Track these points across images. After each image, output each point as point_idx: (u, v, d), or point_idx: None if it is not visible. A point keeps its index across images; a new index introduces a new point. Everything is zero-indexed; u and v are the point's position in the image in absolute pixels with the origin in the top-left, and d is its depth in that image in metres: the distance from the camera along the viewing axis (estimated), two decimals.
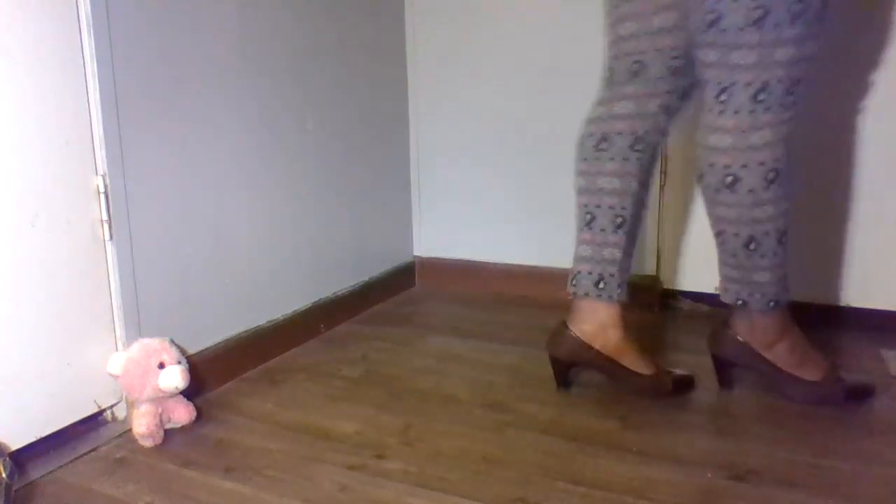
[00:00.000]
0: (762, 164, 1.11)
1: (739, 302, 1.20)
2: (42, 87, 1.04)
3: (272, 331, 1.51)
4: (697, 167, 1.19)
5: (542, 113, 1.85)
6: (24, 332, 1.05)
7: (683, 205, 1.74)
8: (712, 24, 1.08)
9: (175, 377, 1.14)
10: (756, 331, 1.21)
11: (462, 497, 0.97)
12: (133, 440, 1.14)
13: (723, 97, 1.11)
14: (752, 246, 1.15)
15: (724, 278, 1.22)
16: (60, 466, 1.07)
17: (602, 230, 1.25)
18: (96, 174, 1.13)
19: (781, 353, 1.21)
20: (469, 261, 2.02)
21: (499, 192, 1.95)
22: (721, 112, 1.12)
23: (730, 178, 1.13)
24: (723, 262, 1.22)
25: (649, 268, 1.80)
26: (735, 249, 1.17)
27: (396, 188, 2.00)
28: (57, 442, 1.11)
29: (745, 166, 1.11)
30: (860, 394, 1.22)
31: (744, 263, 1.17)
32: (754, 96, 1.09)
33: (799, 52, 1.06)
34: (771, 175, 1.11)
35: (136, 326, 1.20)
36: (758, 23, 1.05)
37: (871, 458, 1.04)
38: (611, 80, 1.26)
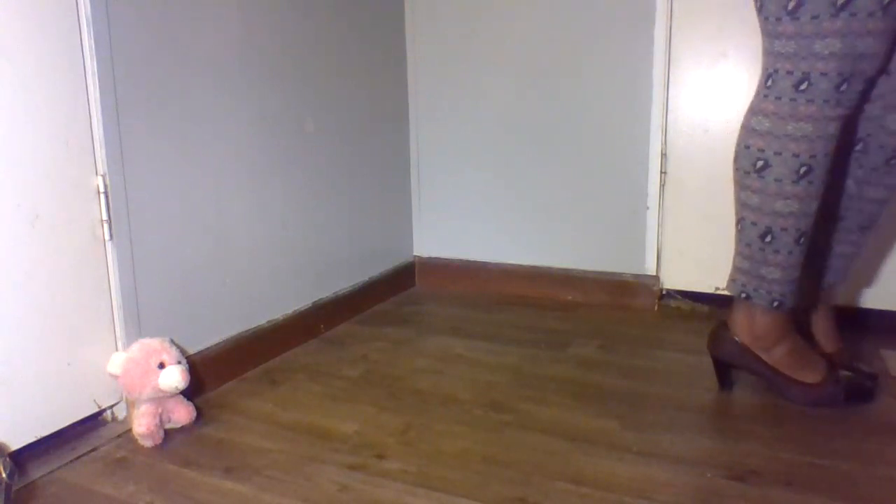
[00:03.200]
0: (796, 155, 1.09)
1: (743, 295, 1.19)
2: (42, 87, 1.04)
3: (272, 331, 1.51)
4: (735, 149, 1.18)
5: (542, 113, 1.85)
6: (24, 331, 1.05)
7: (683, 205, 1.74)
8: (759, 10, 1.09)
9: (175, 377, 1.14)
10: (756, 331, 1.21)
11: (462, 497, 0.97)
12: (133, 440, 1.14)
13: (769, 83, 1.11)
14: (767, 238, 1.14)
15: (734, 269, 1.21)
16: (60, 466, 1.07)
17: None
18: (96, 174, 1.13)
19: (780, 356, 1.21)
20: (469, 261, 2.02)
21: (499, 192, 1.95)
22: (765, 97, 1.11)
23: (760, 163, 1.12)
24: (736, 252, 1.20)
25: (649, 268, 1.80)
26: (750, 239, 1.16)
27: (396, 188, 2.00)
28: (57, 442, 1.12)
29: (777, 154, 1.10)
30: (860, 396, 1.22)
31: (755, 255, 1.16)
32: (796, 86, 1.07)
33: (845, 46, 1.03)
34: (803, 169, 1.09)
35: (136, 326, 1.20)
36: (792, 13, 1.04)
37: (871, 458, 1.04)
38: None
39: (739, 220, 1.18)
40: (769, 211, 1.13)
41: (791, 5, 1.04)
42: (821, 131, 1.08)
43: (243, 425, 1.21)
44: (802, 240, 1.14)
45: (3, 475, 0.93)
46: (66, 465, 1.08)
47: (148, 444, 1.13)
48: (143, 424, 1.12)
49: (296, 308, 1.60)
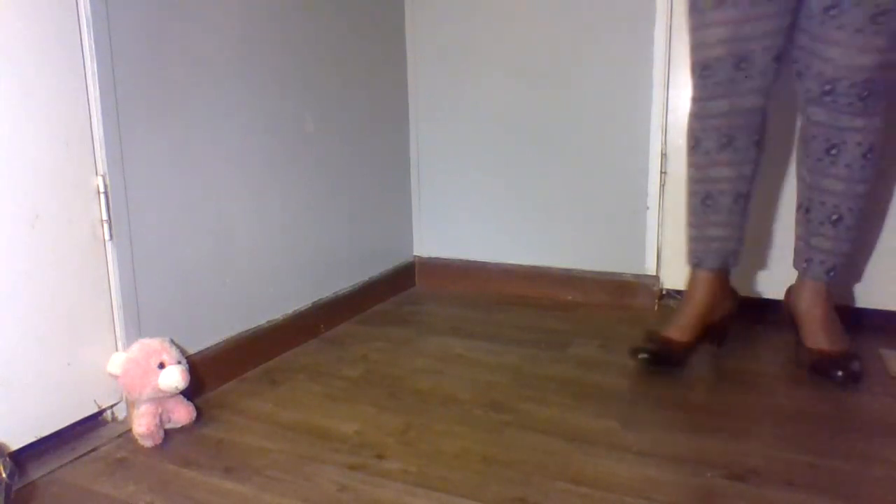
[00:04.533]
0: (690, 129, 1.34)
1: (694, 261, 1.43)
2: (42, 87, 1.04)
3: (272, 331, 1.51)
4: None
5: (542, 113, 1.85)
6: (24, 332, 1.05)
7: (683, 205, 1.74)
8: None
9: (175, 377, 1.14)
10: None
11: (462, 497, 0.97)
12: (133, 440, 1.14)
13: None
14: (708, 202, 1.36)
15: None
16: (60, 466, 1.07)
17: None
18: (96, 174, 1.13)
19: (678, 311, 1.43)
20: (469, 261, 2.02)
21: (499, 192, 1.95)
22: None
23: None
24: None
25: (649, 268, 1.80)
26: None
27: (396, 188, 2.00)
28: (57, 442, 1.12)
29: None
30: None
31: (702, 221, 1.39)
32: None
33: (695, 40, 1.28)
34: (724, 140, 1.29)
35: (136, 326, 1.20)
36: None
37: (871, 458, 1.04)
38: None
39: None
40: (708, 179, 1.35)
41: None
42: (701, 112, 1.31)
43: (243, 425, 1.21)
44: (716, 200, 1.34)
45: (3, 475, 0.93)
46: (66, 465, 1.08)
47: (148, 444, 1.13)
48: (143, 424, 1.12)
49: (296, 308, 1.60)
